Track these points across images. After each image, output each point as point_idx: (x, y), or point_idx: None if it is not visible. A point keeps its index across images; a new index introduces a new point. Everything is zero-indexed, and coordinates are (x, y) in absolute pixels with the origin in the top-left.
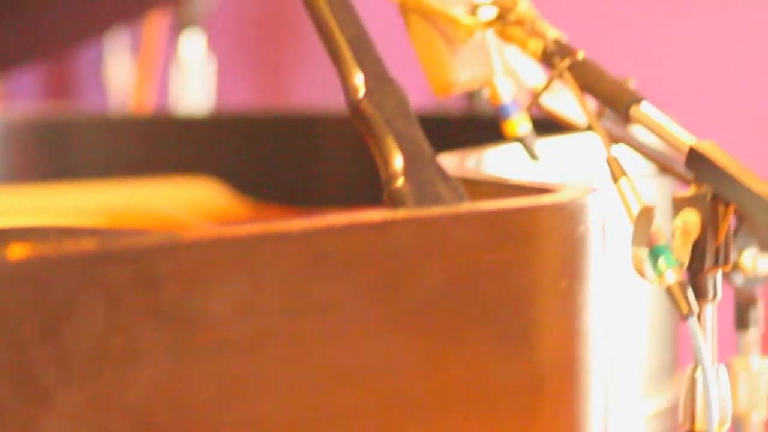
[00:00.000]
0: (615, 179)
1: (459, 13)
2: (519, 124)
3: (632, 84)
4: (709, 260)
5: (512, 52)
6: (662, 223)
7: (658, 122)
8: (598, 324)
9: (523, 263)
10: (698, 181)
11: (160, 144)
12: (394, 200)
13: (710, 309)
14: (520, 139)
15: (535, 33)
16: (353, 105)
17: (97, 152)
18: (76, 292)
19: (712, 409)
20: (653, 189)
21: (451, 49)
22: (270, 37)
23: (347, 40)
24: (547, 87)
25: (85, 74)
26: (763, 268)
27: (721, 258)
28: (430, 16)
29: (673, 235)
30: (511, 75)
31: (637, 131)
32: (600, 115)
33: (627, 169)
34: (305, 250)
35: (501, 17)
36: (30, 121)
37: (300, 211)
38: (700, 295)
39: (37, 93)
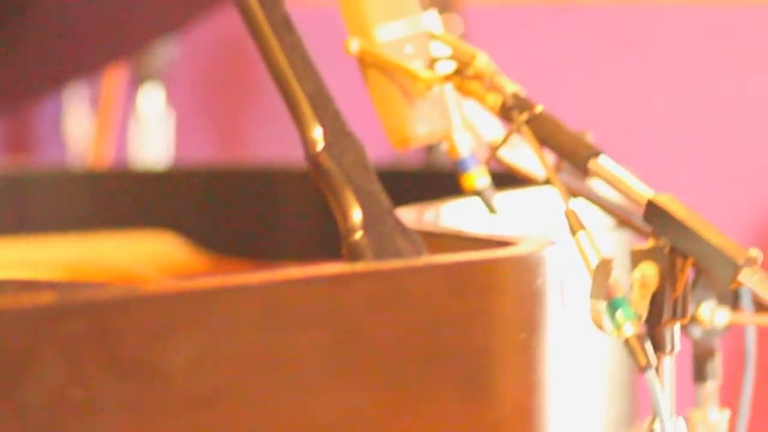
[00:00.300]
0: (573, 232)
1: (417, 67)
2: (477, 177)
3: (590, 137)
4: (667, 313)
5: (471, 106)
6: (620, 276)
7: (616, 175)
8: (556, 376)
9: (481, 316)
10: (656, 234)
11: (119, 198)
12: (353, 253)
13: (668, 361)
14: (478, 193)
15: (494, 87)
16: (312, 159)
17: (55, 206)
18: (34, 345)
19: None
20: (612, 242)
21: (410, 103)
22: (229, 91)
23: (306, 94)
24: (505, 141)
25: (44, 128)
26: (721, 320)
27: (679, 310)
28: (388, 70)
29: (631, 288)
30: (469, 129)
31: (596, 184)
32: (558, 168)
33: (585, 223)
34: (264, 303)
35: (459, 71)
36: None
37: (258, 264)
38: (659, 347)
39: None
